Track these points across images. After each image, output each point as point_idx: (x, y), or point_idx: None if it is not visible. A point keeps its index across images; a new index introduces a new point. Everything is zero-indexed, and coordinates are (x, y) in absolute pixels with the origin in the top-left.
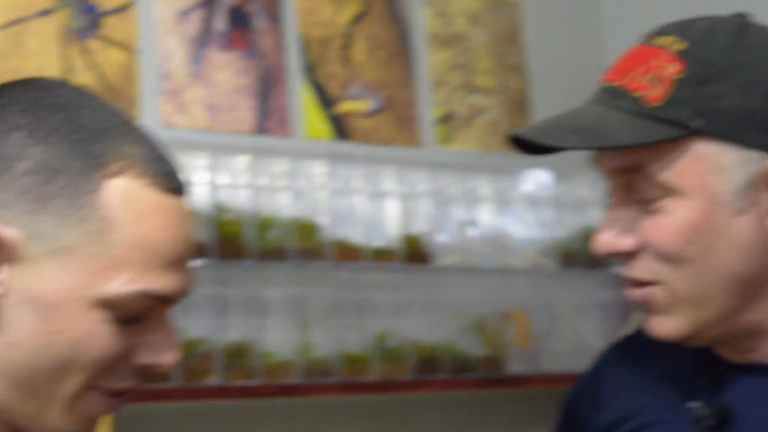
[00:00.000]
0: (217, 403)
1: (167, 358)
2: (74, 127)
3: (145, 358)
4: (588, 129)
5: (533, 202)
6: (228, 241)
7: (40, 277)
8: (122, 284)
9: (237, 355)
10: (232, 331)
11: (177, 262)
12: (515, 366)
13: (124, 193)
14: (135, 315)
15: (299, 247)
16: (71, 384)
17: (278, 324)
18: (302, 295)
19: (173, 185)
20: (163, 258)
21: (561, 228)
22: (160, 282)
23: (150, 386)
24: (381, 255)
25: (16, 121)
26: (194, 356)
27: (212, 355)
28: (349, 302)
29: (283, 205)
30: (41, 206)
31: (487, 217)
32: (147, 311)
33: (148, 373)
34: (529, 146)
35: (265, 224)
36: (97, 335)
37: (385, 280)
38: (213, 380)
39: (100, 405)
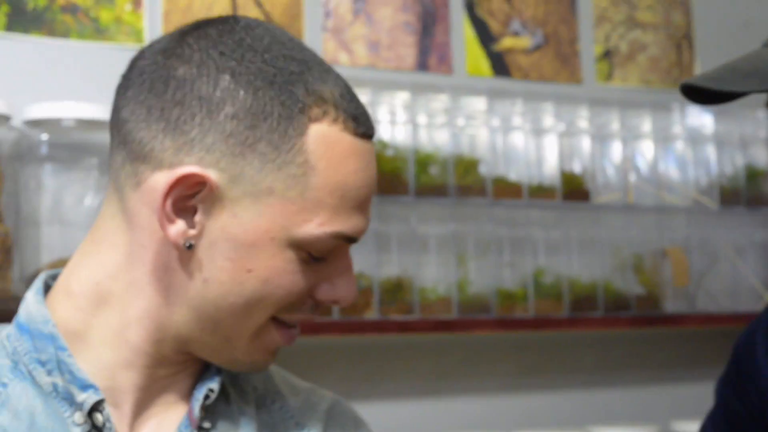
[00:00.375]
0: (374, 337)
1: (346, 295)
2: (276, 70)
3: (326, 294)
4: (762, 72)
5: (694, 139)
6: (388, 177)
7: (238, 218)
8: (316, 226)
9: (395, 290)
10: (390, 267)
11: (364, 204)
12: (672, 305)
13: (323, 137)
14: (323, 255)
15: (458, 183)
16: (257, 319)
17: (435, 260)
18: (459, 232)
19: (365, 128)
20: (354, 200)
21: (722, 166)
22: (350, 224)
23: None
24: (539, 192)
25: (222, 64)
26: None
27: (371, 290)
28: (506, 239)
29: (443, 142)
30: (245, 150)
31: (647, 154)
32: (332, 250)
33: (325, 307)
34: (702, 95)
35: (424, 161)
36: (288, 273)
37: (541, 217)
38: (371, 315)
39: (279, 337)
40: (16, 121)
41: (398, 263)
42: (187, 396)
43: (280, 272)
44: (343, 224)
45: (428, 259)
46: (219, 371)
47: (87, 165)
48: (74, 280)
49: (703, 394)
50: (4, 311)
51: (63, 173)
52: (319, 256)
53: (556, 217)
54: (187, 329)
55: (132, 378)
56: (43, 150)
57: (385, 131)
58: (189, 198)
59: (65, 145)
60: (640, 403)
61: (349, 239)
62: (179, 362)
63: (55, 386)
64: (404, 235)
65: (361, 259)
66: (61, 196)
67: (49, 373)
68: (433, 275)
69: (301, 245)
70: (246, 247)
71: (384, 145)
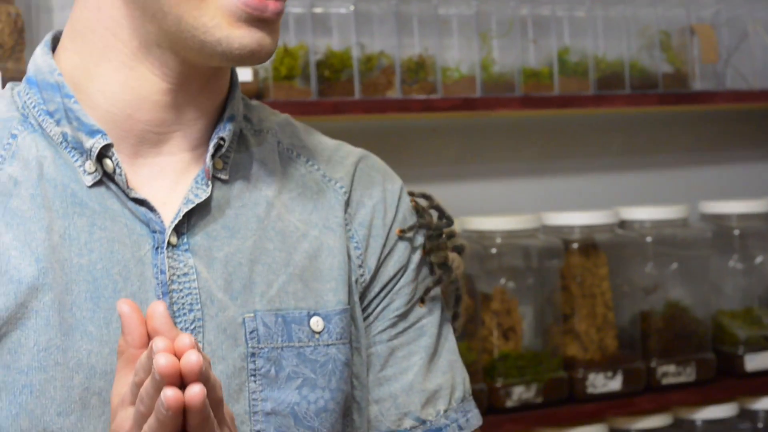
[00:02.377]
0: (396, 118)
1: None
2: None
3: None
4: None
5: None
6: None
7: None
8: None
9: (417, 69)
10: (412, 48)
11: None
12: (700, 83)
13: None
14: None
15: None
16: None
17: (458, 40)
18: (482, 10)
19: None
20: None
21: None
22: None
23: (330, 100)
24: None
25: None
26: (375, 70)
27: (392, 69)
28: (530, 17)
29: None
30: None
31: None
32: None
33: None
34: None
35: None
36: None
37: None
38: (393, 94)
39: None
40: None
41: (420, 44)
42: (206, 147)
43: None
44: None
45: (450, 40)
46: (231, 118)
47: None
48: (67, 27)
49: (731, 175)
50: None
51: None
52: None
53: None
54: (155, 28)
55: (142, 124)
56: None
57: None
58: None
59: None
60: (667, 185)
61: None
62: (186, 102)
63: (64, 135)
64: (426, 15)
65: (381, 39)
66: None
67: (58, 122)
68: (456, 55)
69: None
70: None
71: None
